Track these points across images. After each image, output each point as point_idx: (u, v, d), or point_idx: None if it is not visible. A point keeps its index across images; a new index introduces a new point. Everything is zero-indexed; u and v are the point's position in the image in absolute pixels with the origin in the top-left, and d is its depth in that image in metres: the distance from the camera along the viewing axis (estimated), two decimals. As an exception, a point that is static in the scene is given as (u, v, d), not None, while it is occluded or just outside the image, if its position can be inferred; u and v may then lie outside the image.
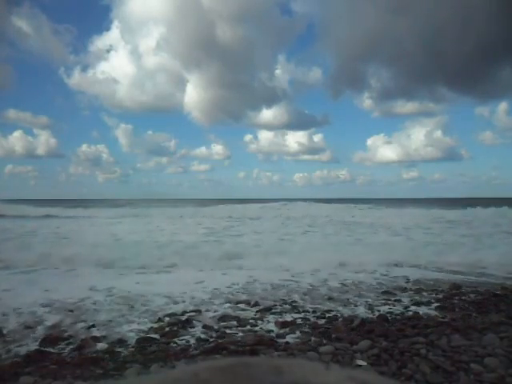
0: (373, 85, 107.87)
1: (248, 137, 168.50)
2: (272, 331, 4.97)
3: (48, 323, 5.24)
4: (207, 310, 5.86)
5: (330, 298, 6.60)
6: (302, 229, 18.45)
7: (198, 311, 5.77)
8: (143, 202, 53.16)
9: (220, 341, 4.52)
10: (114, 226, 20.49)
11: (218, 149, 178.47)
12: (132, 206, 40.52)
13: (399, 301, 6.43)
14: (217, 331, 4.94)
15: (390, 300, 6.48)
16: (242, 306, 6.11)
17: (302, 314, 5.71)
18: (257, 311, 5.82)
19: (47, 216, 29.53)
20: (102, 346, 4.49)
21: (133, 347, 4.44)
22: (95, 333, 4.92)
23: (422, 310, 5.90)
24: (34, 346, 4.42)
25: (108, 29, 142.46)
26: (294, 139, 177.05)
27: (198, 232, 16.65)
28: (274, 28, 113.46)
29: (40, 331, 4.93)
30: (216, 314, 5.70)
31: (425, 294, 6.89)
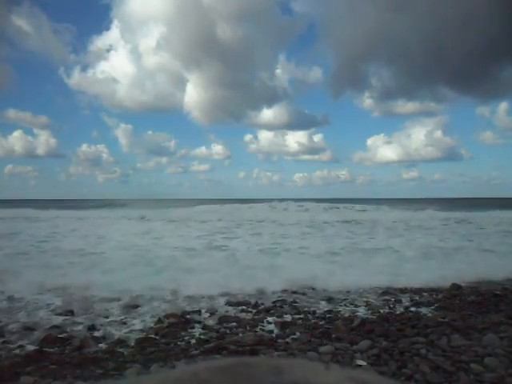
0: (373, 84, 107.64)
1: (248, 137, 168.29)
2: (272, 331, 4.97)
3: (48, 323, 5.24)
4: (207, 311, 5.86)
5: (330, 298, 6.60)
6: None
7: (198, 311, 5.77)
8: (137, 202, 51.45)
9: (220, 341, 4.52)
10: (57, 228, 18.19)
11: (217, 149, 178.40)
12: (115, 207, 38.82)
13: (399, 301, 6.43)
14: (217, 331, 4.94)
15: (390, 300, 6.48)
16: (242, 306, 6.11)
17: (302, 314, 5.70)
18: (257, 312, 5.82)
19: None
20: (102, 346, 4.49)
21: (133, 347, 4.44)
22: (95, 333, 4.92)
23: (422, 310, 5.90)
24: (33, 346, 4.42)
25: (108, 28, 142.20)
26: (294, 139, 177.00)
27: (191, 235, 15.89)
28: (274, 27, 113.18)
29: (40, 331, 4.93)
30: (216, 314, 5.70)
31: (425, 294, 6.89)
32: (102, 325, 5.22)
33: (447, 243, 13.10)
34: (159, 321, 5.31)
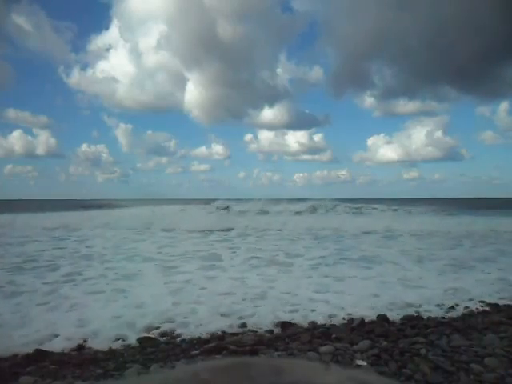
0: (375, 83, 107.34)
1: (248, 136, 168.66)
2: (272, 331, 4.97)
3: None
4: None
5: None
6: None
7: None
8: (129, 203, 46.12)
9: (220, 341, 4.51)
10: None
11: (218, 149, 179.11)
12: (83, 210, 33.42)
13: (399, 301, 6.41)
14: (217, 331, 4.94)
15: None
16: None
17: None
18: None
19: None
20: (102, 346, 4.49)
21: (133, 347, 4.44)
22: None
23: (422, 310, 5.89)
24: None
25: (107, 27, 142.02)
26: (295, 139, 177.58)
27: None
28: (274, 26, 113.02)
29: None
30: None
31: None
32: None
33: None
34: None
